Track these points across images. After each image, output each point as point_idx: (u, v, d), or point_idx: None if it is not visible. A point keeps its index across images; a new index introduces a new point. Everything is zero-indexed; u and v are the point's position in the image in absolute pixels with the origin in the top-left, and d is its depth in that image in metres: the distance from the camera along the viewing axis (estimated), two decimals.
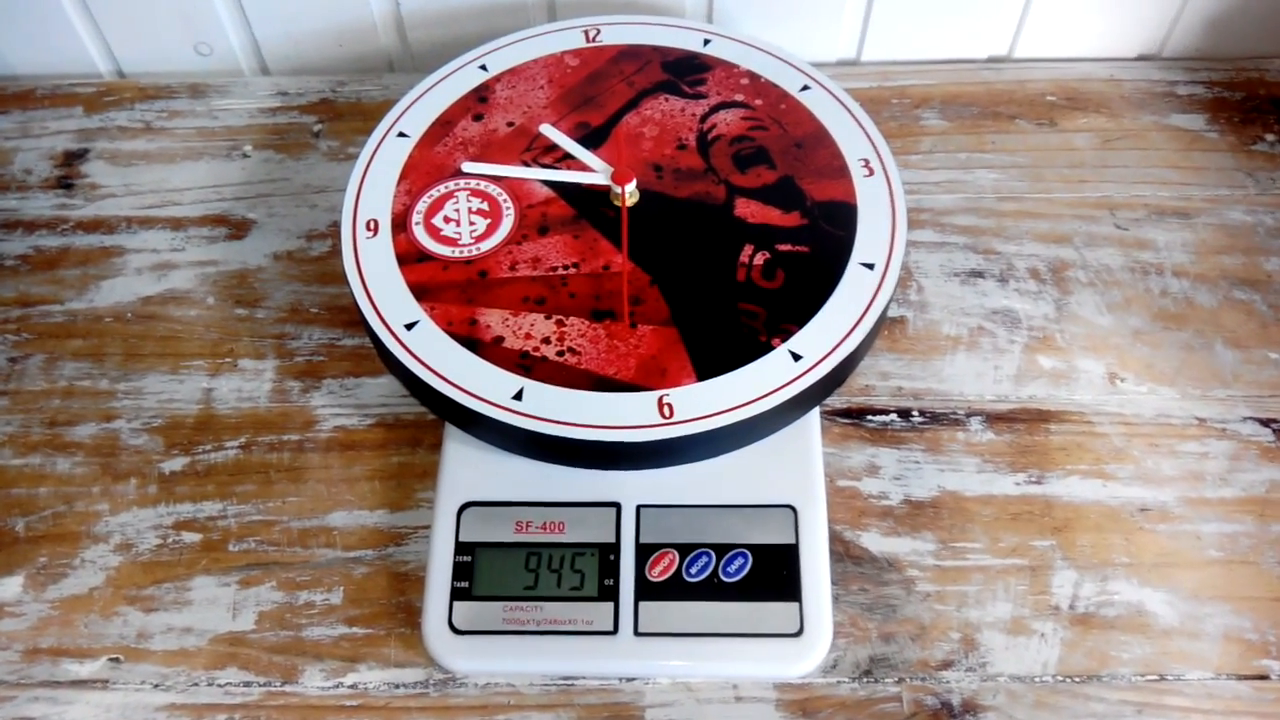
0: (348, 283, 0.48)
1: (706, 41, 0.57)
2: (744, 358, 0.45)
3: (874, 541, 0.49)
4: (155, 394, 0.54)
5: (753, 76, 0.56)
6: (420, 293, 0.47)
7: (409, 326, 0.46)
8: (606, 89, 0.55)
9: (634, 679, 0.46)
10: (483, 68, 0.56)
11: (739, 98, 0.55)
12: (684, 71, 0.56)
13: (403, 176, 0.52)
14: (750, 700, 0.46)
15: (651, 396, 0.44)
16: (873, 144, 0.53)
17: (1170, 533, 0.50)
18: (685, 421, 0.43)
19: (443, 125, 0.54)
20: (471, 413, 0.44)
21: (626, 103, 0.55)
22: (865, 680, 0.46)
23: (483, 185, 0.52)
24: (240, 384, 0.55)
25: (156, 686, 0.46)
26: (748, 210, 0.50)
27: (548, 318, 0.47)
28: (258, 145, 0.65)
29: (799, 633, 0.44)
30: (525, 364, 0.45)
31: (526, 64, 0.57)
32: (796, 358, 0.45)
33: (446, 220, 0.50)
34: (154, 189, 0.63)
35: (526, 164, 0.52)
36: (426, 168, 0.52)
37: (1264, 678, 0.46)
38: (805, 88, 0.55)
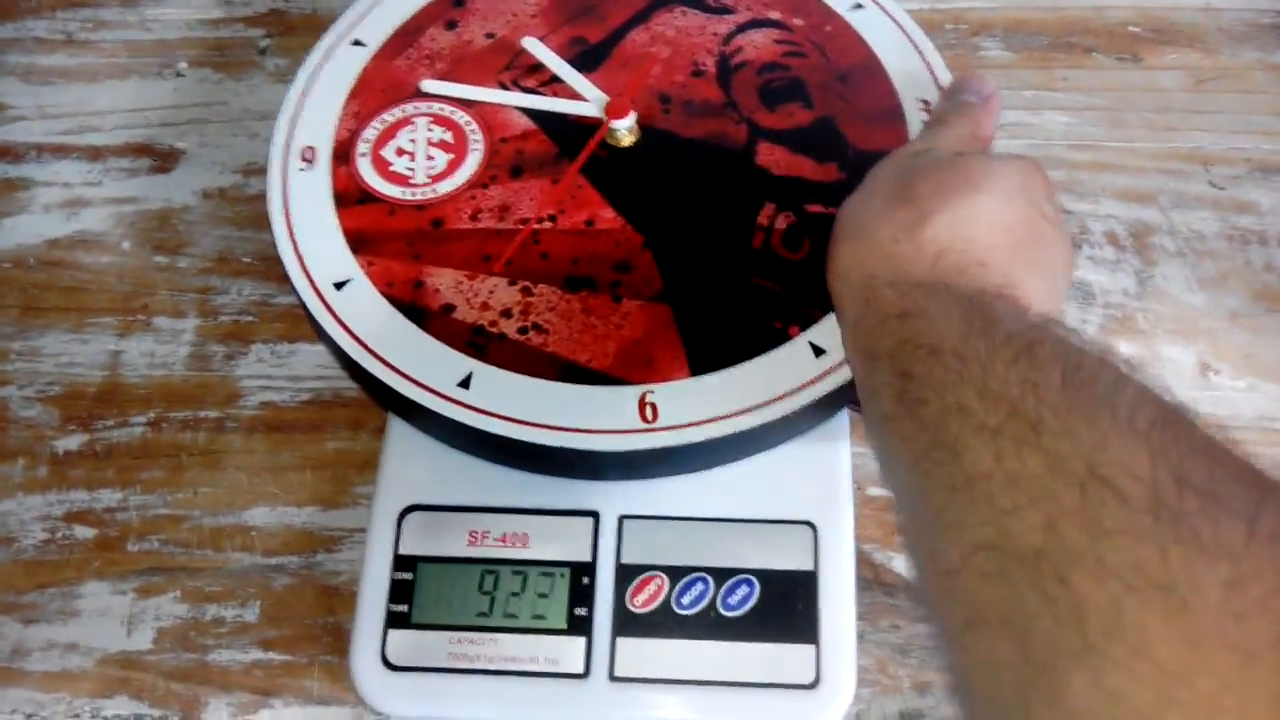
0: (270, 226, 0.39)
1: None
2: (752, 349, 0.37)
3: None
4: (54, 356, 0.48)
5: None
6: (358, 243, 0.39)
7: (339, 286, 0.38)
8: None
9: None
10: None
11: (774, 15, 0.46)
12: None
13: (353, 95, 0.44)
14: None
15: (632, 393, 0.36)
16: (936, 81, 0.44)
17: None
18: (671, 429, 0.35)
19: (408, 33, 0.46)
20: (405, 399, 0.36)
21: (634, 15, 0.47)
22: None
23: (448, 111, 0.43)
24: (154, 346, 0.48)
25: (30, 717, 0.39)
26: (772, 158, 0.42)
27: (512, 283, 0.38)
28: (193, 62, 0.58)
29: (815, 683, 0.37)
30: (478, 342, 0.37)
31: None
32: (819, 352, 0.37)
33: (400, 152, 0.42)
34: (71, 111, 0.56)
35: (504, 86, 0.44)
36: (382, 85, 0.44)
37: None
38: (858, 6, 0.47)
